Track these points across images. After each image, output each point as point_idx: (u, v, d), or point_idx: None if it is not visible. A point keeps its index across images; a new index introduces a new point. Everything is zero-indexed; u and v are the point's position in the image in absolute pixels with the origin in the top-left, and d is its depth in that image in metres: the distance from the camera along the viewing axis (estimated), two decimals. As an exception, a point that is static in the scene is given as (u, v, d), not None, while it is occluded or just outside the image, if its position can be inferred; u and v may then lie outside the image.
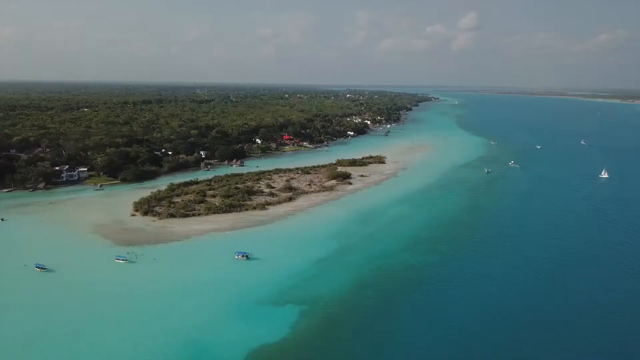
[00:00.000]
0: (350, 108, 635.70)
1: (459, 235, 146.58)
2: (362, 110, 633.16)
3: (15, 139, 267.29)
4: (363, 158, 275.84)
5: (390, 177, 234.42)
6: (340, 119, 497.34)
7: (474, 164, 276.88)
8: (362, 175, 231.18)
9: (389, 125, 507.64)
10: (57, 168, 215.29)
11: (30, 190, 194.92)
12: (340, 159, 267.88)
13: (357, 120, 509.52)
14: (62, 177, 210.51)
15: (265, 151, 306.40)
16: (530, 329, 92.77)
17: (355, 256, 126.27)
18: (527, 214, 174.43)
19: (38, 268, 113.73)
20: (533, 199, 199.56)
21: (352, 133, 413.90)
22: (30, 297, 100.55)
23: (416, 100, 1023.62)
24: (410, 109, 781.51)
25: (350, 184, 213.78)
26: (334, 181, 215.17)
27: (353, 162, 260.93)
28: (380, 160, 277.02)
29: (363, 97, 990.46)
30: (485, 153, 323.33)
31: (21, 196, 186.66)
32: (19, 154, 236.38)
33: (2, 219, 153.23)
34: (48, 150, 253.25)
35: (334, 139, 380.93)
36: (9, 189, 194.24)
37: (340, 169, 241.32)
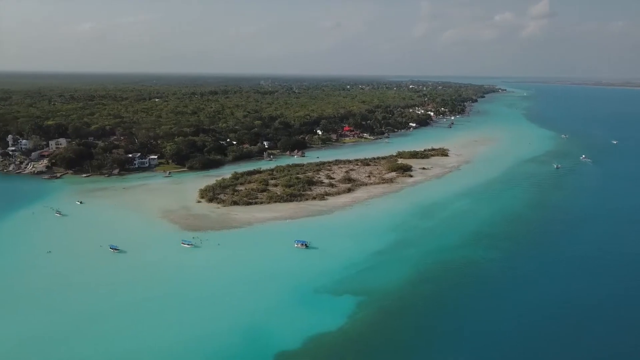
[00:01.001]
0: (412, 99, 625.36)
1: (522, 232, 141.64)
2: (425, 101, 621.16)
3: (93, 127, 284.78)
4: (425, 150, 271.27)
5: (453, 170, 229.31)
6: (402, 110, 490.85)
7: (542, 159, 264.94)
8: (423, 168, 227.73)
9: (453, 117, 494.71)
10: (130, 155, 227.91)
11: (106, 175, 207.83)
12: (401, 150, 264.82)
13: (420, 111, 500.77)
14: (135, 164, 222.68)
15: (325, 142, 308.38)
16: (594, 333, 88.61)
17: (414, 250, 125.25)
18: (599, 213, 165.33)
19: (112, 249, 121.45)
20: (606, 196, 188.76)
21: (414, 124, 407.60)
22: (105, 276, 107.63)
23: (482, 91, 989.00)
24: (476, 101, 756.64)
25: (411, 176, 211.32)
26: (393, 173, 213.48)
27: (414, 155, 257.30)
28: (442, 152, 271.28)
29: (426, 88, 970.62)
30: (554, 147, 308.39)
31: (97, 181, 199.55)
32: (97, 142, 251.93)
33: (80, 202, 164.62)
34: (122, 138, 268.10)
35: (395, 130, 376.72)
36: (87, 174, 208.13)
37: (400, 161, 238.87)
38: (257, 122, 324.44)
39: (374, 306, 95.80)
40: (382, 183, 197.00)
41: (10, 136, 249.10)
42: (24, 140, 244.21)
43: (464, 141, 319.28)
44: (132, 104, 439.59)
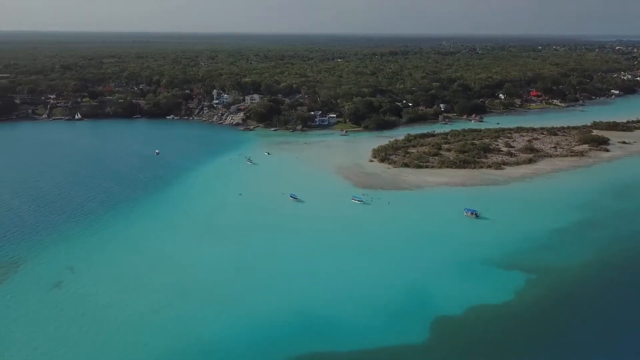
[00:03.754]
0: (619, 62, 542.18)
1: None
2: (634, 65, 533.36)
3: (282, 85, 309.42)
4: (628, 122, 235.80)
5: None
6: (603, 75, 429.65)
7: None
8: (623, 142, 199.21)
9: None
10: (312, 113, 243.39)
11: (291, 130, 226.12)
12: (597, 121, 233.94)
13: (626, 77, 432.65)
14: (316, 122, 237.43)
15: (507, 107, 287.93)
16: None
17: (601, 233, 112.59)
18: None
19: (292, 198, 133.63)
20: None
21: (616, 92, 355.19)
22: (285, 222, 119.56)
23: None
24: None
25: (607, 150, 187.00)
26: (585, 146, 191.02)
27: (613, 126, 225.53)
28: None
29: (638, 49, 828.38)
30: None
31: (283, 135, 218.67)
32: (284, 99, 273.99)
33: (268, 153, 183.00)
34: (307, 96, 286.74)
35: (593, 97, 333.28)
36: (275, 128, 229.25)
37: (595, 132, 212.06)
38: (435, 84, 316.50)
39: (546, 287, 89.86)
40: (571, 156, 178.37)
41: (215, 91, 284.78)
42: (225, 95, 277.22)
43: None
44: (317, 63, 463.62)
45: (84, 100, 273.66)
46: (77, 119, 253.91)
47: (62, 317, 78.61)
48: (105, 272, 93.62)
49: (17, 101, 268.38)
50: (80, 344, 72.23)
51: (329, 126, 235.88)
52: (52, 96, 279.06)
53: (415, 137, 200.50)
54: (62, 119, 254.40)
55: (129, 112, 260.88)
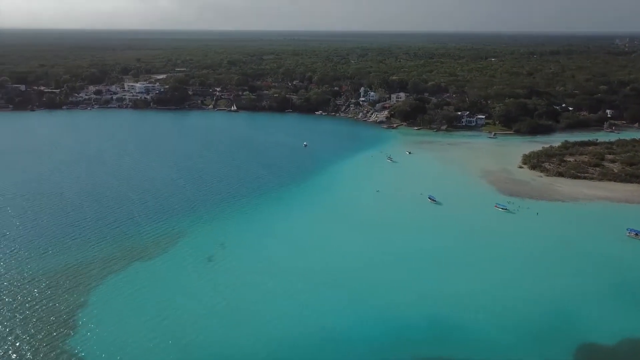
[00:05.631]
0: None
1: None
2: None
3: (429, 83, 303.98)
4: None
5: None
6: None
7: None
8: None
9: None
10: (459, 113, 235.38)
11: (434, 130, 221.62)
12: None
13: None
14: (462, 122, 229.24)
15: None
16: None
17: None
18: None
19: (430, 199, 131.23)
20: None
21: None
22: (421, 223, 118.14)
23: None
24: None
25: None
26: None
27: None
28: None
29: None
30: None
31: (426, 134, 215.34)
32: (430, 97, 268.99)
33: (409, 152, 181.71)
34: (454, 95, 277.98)
35: None
36: (418, 127, 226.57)
37: None
38: (602, 87, 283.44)
39: None
40: None
41: (362, 88, 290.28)
42: (372, 92, 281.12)
43: None
44: (468, 62, 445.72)
45: (244, 93, 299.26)
46: (233, 111, 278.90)
47: (211, 288, 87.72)
48: (249, 251, 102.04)
49: (190, 92, 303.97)
50: (224, 314, 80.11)
51: (476, 127, 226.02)
52: (218, 89, 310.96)
53: (574, 144, 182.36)
54: (224, 109, 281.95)
55: (281, 106, 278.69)
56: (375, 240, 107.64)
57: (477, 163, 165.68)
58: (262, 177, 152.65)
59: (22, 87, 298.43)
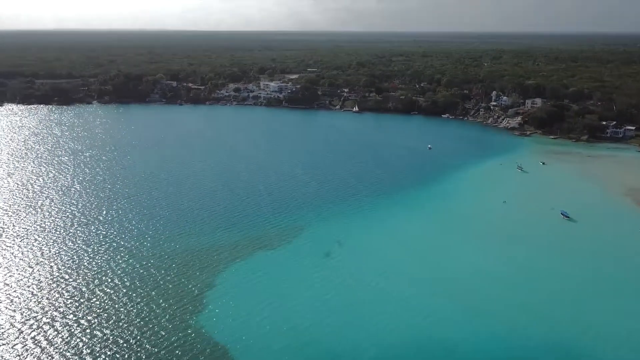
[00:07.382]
0: None
1: None
2: None
3: (570, 89, 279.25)
4: None
5: None
6: None
7: None
8: None
9: None
10: (604, 123, 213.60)
11: (573, 140, 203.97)
12: None
13: None
14: (607, 133, 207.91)
15: None
16: None
17: None
18: None
19: (562, 215, 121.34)
20: None
21: None
22: (551, 240, 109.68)
23: None
24: None
25: None
26: None
27: None
28: None
29: None
30: None
31: (563, 144, 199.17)
32: (571, 104, 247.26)
33: (542, 163, 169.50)
34: (599, 103, 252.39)
35: None
36: (555, 136, 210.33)
37: None
38: None
39: None
40: None
41: (494, 92, 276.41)
42: (504, 97, 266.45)
43: None
44: (618, 67, 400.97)
45: (370, 95, 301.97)
46: (355, 112, 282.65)
47: (327, 282, 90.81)
48: (365, 251, 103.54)
49: (319, 92, 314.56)
50: (336, 309, 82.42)
51: (623, 139, 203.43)
52: (345, 90, 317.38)
53: None
54: (350, 110, 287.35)
55: (407, 108, 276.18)
56: (498, 254, 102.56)
57: (622, 179, 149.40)
58: (383, 179, 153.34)
59: (174, 84, 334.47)
